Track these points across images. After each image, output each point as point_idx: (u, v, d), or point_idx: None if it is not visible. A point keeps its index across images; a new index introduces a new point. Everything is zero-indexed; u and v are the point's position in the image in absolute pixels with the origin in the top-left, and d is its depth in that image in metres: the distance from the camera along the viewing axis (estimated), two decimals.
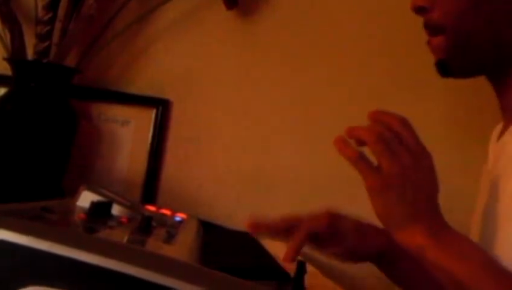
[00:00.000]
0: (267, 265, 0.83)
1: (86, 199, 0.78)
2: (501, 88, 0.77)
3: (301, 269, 0.62)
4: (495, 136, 0.82)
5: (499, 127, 0.83)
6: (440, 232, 0.65)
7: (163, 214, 0.95)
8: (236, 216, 1.35)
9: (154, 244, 0.66)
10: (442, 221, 0.67)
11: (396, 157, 0.65)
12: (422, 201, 0.65)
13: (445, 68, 0.77)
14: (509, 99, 0.77)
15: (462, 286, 0.61)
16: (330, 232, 0.81)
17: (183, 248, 0.71)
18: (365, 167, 0.66)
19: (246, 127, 1.42)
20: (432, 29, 0.76)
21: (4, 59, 1.26)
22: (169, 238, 0.72)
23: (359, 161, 0.66)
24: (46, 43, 1.23)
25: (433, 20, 0.75)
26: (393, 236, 0.66)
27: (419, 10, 0.76)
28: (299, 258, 0.72)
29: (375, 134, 0.67)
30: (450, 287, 0.63)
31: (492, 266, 0.63)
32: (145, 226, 0.71)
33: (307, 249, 0.92)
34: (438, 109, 1.37)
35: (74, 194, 0.83)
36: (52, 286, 0.42)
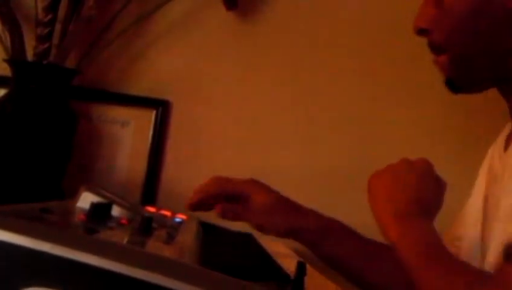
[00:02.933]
0: (266, 266, 0.83)
1: (85, 200, 0.78)
2: (508, 92, 0.78)
3: (301, 270, 0.62)
4: (501, 141, 0.82)
5: (505, 132, 0.83)
6: (405, 218, 0.70)
7: (163, 215, 0.95)
8: None
9: (154, 245, 0.66)
10: (415, 212, 0.70)
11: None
12: (403, 199, 0.71)
13: (454, 86, 0.78)
14: None
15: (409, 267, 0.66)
16: (243, 201, 0.86)
17: (183, 248, 0.71)
18: None
19: (246, 127, 1.42)
20: (435, 49, 0.77)
21: (4, 60, 1.26)
22: (170, 239, 0.72)
23: None
24: (46, 45, 1.23)
25: (435, 41, 0.76)
26: (377, 222, 0.72)
27: (420, 32, 0.77)
28: (299, 259, 0.72)
29: None
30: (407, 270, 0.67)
31: (442, 260, 0.65)
32: (145, 227, 0.71)
33: (307, 250, 0.92)
34: (436, 111, 1.37)
35: (74, 195, 0.83)
36: (52, 287, 0.42)
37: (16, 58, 1.25)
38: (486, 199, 0.80)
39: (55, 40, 1.24)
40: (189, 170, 1.40)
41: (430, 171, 0.75)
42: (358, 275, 0.89)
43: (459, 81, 0.78)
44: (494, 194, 0.76)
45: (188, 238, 0.80)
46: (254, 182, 0.89)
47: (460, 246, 0.86)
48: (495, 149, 0.83)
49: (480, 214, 0.80)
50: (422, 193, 0.73)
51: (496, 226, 0.71)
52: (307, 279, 0.62)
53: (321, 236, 0.87)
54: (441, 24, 0.75)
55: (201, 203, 0.86)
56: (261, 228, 0.88)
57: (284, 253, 1.06)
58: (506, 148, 0.79)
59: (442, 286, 0.62)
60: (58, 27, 1.24)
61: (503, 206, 0.69)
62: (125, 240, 0.65)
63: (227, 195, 0.87)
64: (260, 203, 0.86)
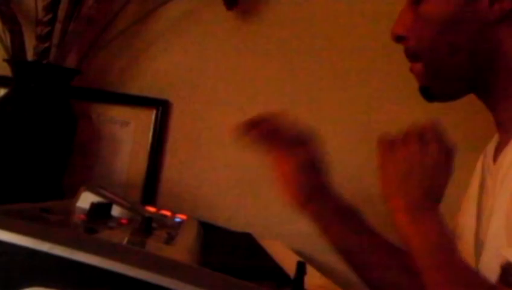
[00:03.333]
0: (267, 266, 0.83)
1: (86, 200, 0.78)
2: (491, 104, 0.78)
3: (301, 270, 0.62)
4: (490, 152, 0.81)
5: (494, 143, 0.82)
6: (417, 212, 0.70)
7: (163, 215, 0.95)
8: (236, 217, 1.35)
9: (154, 245, 0.66)
10: (428, 205, 0.71)
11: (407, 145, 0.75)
12: (418, 189, 0.72)
13: (428, 94, 0.78)
14: (501, 113, 0.77)
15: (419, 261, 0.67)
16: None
17: (183, 249, 0.71)
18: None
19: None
20: (410, 56, 0.78)
21: (4, 60, 1.26)
22: (170, 239, 0.72)
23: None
24: (46, 44, 1.23)
25: (410, 48, 0.77)
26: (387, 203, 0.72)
27: (398, 39, 0.78)
28: (299, 259, 0.72)
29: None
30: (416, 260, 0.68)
31: (450, 261, 0.67)
32: (145, 227, 0.71)
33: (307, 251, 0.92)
34: (437, 110, 1.37)
35: (74, 195, 0.83)
36: (52, 287, 0.42)
37: (16, 58, 1.25)
38: (478, 210, 0.80)
39: (55, 39, 1.24)
40: (189, 170, 1.40)
41: (443, 157, 0.75)
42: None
43: (433, 89, 0.78)
44: (486, 208, 0.76)
45: (188, 238, 0.80)
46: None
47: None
48: (485, 161, 0.83)
49: (474, 224, 0.80)
50: (436, 181, 0.73)
51: (487, 245, 0.71)
52: (306, 279, 0.62)
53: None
54: (417, 32, 0.75)
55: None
56: None
57: (284, 253, 1.06)
58: (495, 160, 0.79)
59: None
60: (58, 27, 1.24)
61: (493, 227, 0.69)
62: (125, 240, 0.65)
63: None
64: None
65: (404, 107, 1.38)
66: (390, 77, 1.39)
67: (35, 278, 0.42)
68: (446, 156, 0.74)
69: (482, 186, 0.81)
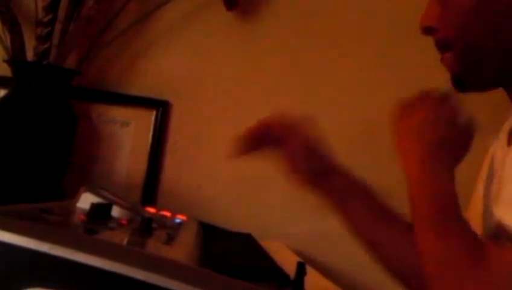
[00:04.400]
0: (266, 267, 0.83)
1: (86, 200, 0.78)
2: None
3: (301, 270, 0.62)
4: (504, 137, 0.81)
5: (507, 127, 0.82)
6: (430, 161, 0.71)
7: (163, 216, 0.95)
8: (236, 218, 1.35)
9: (154, 246, 0.66)
10: (442, 156, 0.72)
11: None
12: (434, 140, 0.73)
13: (460, 83, 0.77)
14: None
15: (420, 219, 0.68)
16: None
17: (183, 249, 0.71)
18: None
19: (246, 127, 1.41)
20: (441, 47, 0.77)
21: (4, 61, 1.26)
22: (169, 240, 0.72)
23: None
24: (46, 45, 1.23)
25: (441, 38, 0.76)
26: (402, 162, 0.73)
27: (427, 30, 0.77)
28: (299, 259, 0.72)
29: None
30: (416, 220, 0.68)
31: (450, 214, 0.67)
32: (145, 227, 0.71)
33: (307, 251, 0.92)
34: None
35: (74, 195, 0.83)
36: (52, 288, 0.42)
37: (16, 59, 1.25)
38: (485, 197, 0.80)
39: (55, 40, 1.24)
40: (189, 170, 1.40)
41: (458, 117, 0.75)
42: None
43: (466, 77, 0.77)
44: (492, 189, 0.75)
45: (188, 239, 0.80)
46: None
47: None
48: (497, 147, 0.83)
49: (481, 211, 0.80)
50: (452, 138, 0.74)
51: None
52: (306, 279, 0.62)
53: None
54: (447, 21, 0.75)
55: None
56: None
57: (284, 253, 1.06)
58: (509, 142, 0.79)
59: (440, 250, 0.64)
60: (58, 27, 1.24)
61: (504, 195, 0.69)
62: (125, 241, 0.65)
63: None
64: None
65: None
66: (392, 76, 1.39)
67: (36, 278, 0.42)
68: (461, 117, 0.75)
69: (490, 169, 0.81)
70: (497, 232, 0.62)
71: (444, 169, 0.71)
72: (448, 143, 0.73)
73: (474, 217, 0.82)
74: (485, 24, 0.73)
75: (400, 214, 0.88)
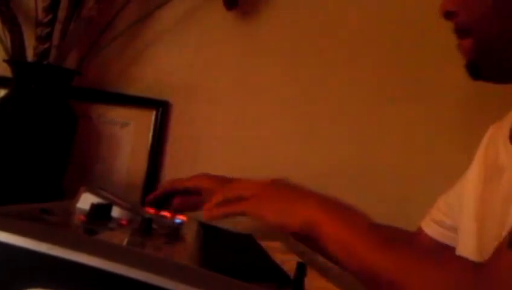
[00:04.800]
0: (266, 267, 0.83)
1: (86, 201, 0.78)
2: None
3: (301, 271, 0.62)
4: (506, 132, 0.81)
5: (509, 121, 0.82)
6: (326, 205, 0.72)
7: (163, 216, 0.95)
8: (236, 218, 1.35)
9: (154, 246, 0.65)
10: (325, 199, 0.73)
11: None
12: (295, 193, 0.75)
13: (476, 70, 0.77)
14: None
15: (348, 250, 0.67)
16: (197, 193, 0.95)
17: (183, 249, 0.71)
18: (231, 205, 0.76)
19: (246, 128, 1.42)
20: (460, 32, 0.77)
21: (4, 61, 1.26)
22: (169, 240, 0.72)
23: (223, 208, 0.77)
24: (46, 45, 1.23)
25: (461, 23, 0.75)
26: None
27: (447, 15, 0.77)
28: (299, 260, 0.72)
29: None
30: (340, 254, 0.68)
31: (373, 226, 0.69)
32: (145, 228, 0.71)
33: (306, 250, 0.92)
34: (439, 108, 1.37)
35: (74, 195, 0.83)
36: (51, 288, 0.42)
37: (16, 59, 1.25)
38: (484, 190, 0.80)
39: (55, 40, 1.24)
40: (189, 171, 1.39)
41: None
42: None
43: (482, 64, 0.76)
44: (498, 187, 0.75)
45: (188, 239, 0.80)
46: (203, 175, 0.97)
47: (455, 238, 0.87)
48: (499, 139, 0.82)
49: (478, 203, 0.80)
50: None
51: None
52: (306, 280, 0.62)
53: None
54: (468, 6, 0.74)
55: (156, 200, 0.94)
56: None
57: (284, 254, 1.06)
58: (511, 140, 0.79)
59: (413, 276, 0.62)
60: (58, 27, 1.24)
61: None
62: (125, 241, 0.64)
63: (179, 191, 0.96)
64: (211, 187, 0.94)
65: (406, 107, 1.38)
66: (392, 76, 1.39)
67: (35, 279, 0.42)
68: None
69: (493, 163, 0.80)
70: None
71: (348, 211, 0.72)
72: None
73: (466, 216, 0.82)
74: (507, 14, 0.72)
75: None
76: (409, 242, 0.82)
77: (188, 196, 0.96)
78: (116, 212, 0.79)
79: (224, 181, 0.96)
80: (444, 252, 0.83)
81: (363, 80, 1.40)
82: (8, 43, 1.26)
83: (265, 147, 1.40)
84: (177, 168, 1.40)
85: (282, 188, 0.77)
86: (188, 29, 1.41)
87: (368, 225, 0.69)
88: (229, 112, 1.41)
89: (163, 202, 0.95)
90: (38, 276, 0.42)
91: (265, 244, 1.08)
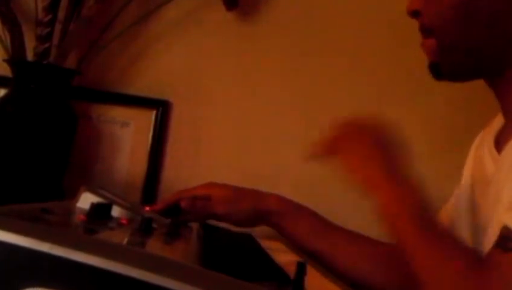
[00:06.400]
0: (266, 266, 0.83)
1: (86, 200, 0.78)
2: (500, 92, 0.77)
3: (301, 270, 0.62)
4: (490, 139, 0.81)
5: (494, 128, 0.82)
6: (399, 179, 0.72)
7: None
8: None
9: (155, 245, 0.66)
10: (396, 169, 0.73)
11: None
12: (374, 154, 0.75)
13: (438, 70, 0.78)
14: (509, 102, 0.77)
15: (395, 225, 0.69)
16: (205, 199, 0.95)
17: (183, 249, 0.71)
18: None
19: (246, 127, 1.42)
20: (423, 32, 0.77)
21: (4, 60, 1.26)
22: (170, 239, 0.72)
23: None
24: (46, 45, 1.23)
25: (424, 23, 0.76)
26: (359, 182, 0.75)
27: (413, 14, 0.78)
28: (300, 259, 0.72)
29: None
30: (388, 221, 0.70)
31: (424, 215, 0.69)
32: (145, 227, 0.71)
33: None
34: (437, 111, 1.37)
35: (74, 195, 0.83)
36: (51, 288, 0.42)
37: (16, 58, 1.25)
38: (473, 200, 0.80)
39: (55, 40, 1.24)
40: (189, 171, 1.40)
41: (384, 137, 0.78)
42: (317, 257, 0.94)
43: (444, 65, 0.77)
44: (487, 196, 0.75)
45: (187, 238, 0.80)
46: (211, 183, 0.98)
47: None
48: (484, 146, 0.82)
49: (469, 212, 0.80)
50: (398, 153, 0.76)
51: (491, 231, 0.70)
52: (307, 280, 0.62)
53: (281, 216, 0.95)
54: (432, 7, 0.75)
55: (164, 209, 0.94)
56: (228, 217, 0.96)
57: (284, 253, 1.06)
58: (497, 147, 0.79)
59: (435, 266, 0.63)
60: (58, 27, 1.24)
61: (504, 201, 0.69)
62: (125, 241, 0.64)
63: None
64: (221, 196, 0.95)
65: (405, 108, 1.38)
66: (391, 77, 1.39)
67: (35, 278, 0.42)
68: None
69: (480, 172, 0.80)
70: (503, 237, 0.61)
71: (413, 186, 0.72)
72: (394, 157, 0.74)
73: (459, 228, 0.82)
74: (466, 15, 0.73)
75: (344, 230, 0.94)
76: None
77: (196, 200, 0.96)
78: (116, 211, 0.79)
79: (234, 189, 0.98)
80: None
81: (363, 80, 1.40)
82: (8, 43, 1.26)
83: (266, 146, 1.40)
84: (177, 169, 1.40)
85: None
86: (188, 30, 1.41)
87: (421, 209, 0.69)
88: (229, 112, 1.41)
89: (171, 211, 0.95)
90: (39, 275, 0.42)
91: (265, 244, 1.08)
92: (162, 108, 1.39)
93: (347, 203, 1.31)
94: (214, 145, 1.40)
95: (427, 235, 0.66)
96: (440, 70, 0.77)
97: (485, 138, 0.83)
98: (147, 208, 0.94)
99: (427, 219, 0.68)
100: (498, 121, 0.82)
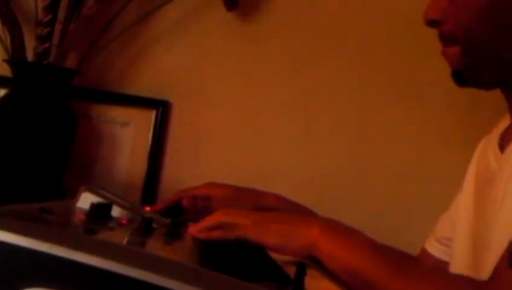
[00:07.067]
0: (267, 267, 0.83)
1: (85, 200, 0.78)
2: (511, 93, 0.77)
3: (301, 271, 0.62)
4: (495, 139, 0.81)
5: (499, 129, 0.82)
6: (329, 227, 0.72)
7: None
8: None
9: (154, 245, 0.66)
10: (328, 220, 0.74)
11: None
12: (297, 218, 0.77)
13: (461, 78, 0.77)
14: None
15: (354, 272, 0.68)
16: (205, 199, 0.96)
17: (183, 249, 0.71)
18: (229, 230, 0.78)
19: (246, 127, 1.42)
20: (446, 40, 0.76)
21: (4, 60, 1.26)
22: (170, 239, 0.72)
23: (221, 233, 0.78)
24: (46, 45, 1.23)
25: (446, 32, 0.75)
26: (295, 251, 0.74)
27: (431, 23, 0.77)
28: (300, 260, 0.72)
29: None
30: (345, 277, 0.69)
31: (379, 249, 0.69)
32: (145, 227, 0.71)
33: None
34: (438, 110, 1.37)
35: (74, 195, 0.83)
36: (51, 288, 0.42)
37: (16, 58, 1.25)
38: (477, 200, 0.80)
39: (55, 40, 1.24)
40: (189, 171, 1.40)
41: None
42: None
43: (469, 73, 0.76)
44: (489, 195, 0.75)
45: (188, 239, 0.80)
46: (211, 183, 0.99)
47: (450, 245, 0.87)
48: (488, 148, 0.82)
49: (471, 213, 0.80)
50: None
51: (497, 227, 0.70)
52: (307, 280, 0.62)
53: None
54: (454, 15, 0.74)
55: (165, 209, 0.95)
56: None
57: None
58: (501, 147, 0.79)
59: None
60: (58, 27, 1.24)
61: (506, 208, 0.69)
62: (125, 241, 0.65)
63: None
64: (221, 195, 0.96)
65: (404, 109, 1.38)
66: (391, 77, 1.39)
67: (35, 278, 0.42)
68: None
69: (485, 172, 0.80)
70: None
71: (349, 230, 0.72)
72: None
73: (460, 230, 0.82)
74: (494, 24, 0.73)
75: None
76: (415, 265, 0.82)
77: (197, 200, 0.97)
78: (116, 211, 0.79)
79: (234, 189, 0.98)
80: (448, 270, 0.82)
81: (364, 80, 1.40)
82: (8, 43, 1.26)
83: (266, 147, 1.40)
84: (177, 168, 1.40)
85: (281, 214, 0.80)
86: (188, 30, 1.41)
87: (372, 247, 0.69)
88: (229, 112, 1.41)
89: (172, 211, 0.95)
90: (39, 275, 0.42)
91: None
92: (162, 108, 1.39)
93: (347, 203, 1.31)
94: (214, 145, 1.40)
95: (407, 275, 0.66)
96: (464, 77, 0.77)
97: (490, 139, 0.83)
98: (147, 208, 0.93)
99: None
100: (504, 122, 0.82)
